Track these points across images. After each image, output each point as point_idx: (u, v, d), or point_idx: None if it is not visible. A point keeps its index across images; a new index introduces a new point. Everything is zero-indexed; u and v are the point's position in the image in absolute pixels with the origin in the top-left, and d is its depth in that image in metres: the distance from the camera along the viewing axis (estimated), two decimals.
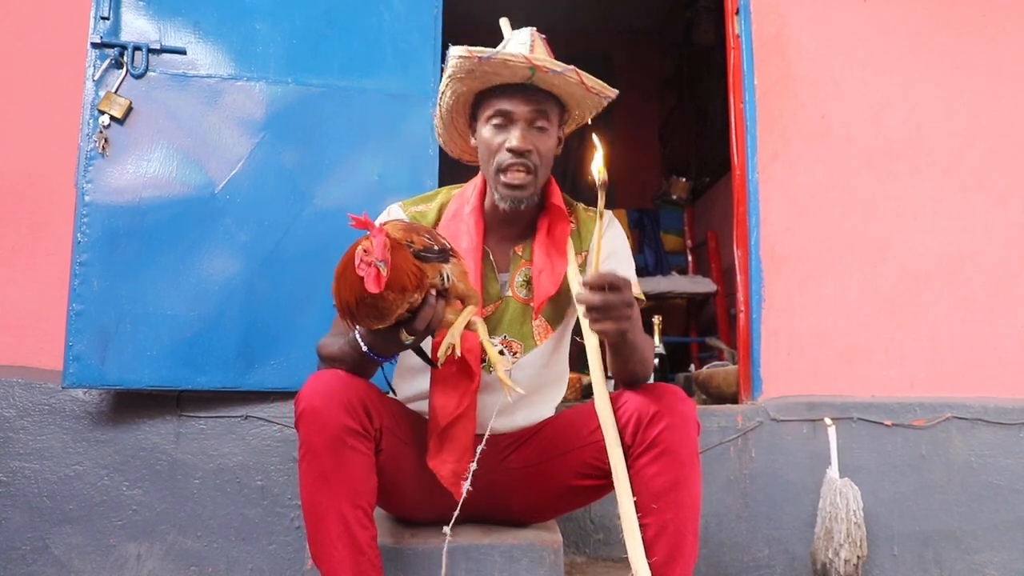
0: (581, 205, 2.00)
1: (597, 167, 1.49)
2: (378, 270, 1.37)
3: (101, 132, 2.41)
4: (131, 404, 2.45)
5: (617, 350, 1.67)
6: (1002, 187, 2.96)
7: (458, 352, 1.58)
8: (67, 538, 2.39)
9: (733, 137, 2.96)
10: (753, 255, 2.86)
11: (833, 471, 2.57)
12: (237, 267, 2.45)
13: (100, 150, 2.40)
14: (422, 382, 1.87)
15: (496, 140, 1.80)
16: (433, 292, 1.51)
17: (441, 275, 1.53)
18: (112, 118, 2.42)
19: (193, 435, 2.46)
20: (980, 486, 2.70)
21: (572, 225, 1.92)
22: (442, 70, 2.60)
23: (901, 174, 2.94)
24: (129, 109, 2.43)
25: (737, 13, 2.97)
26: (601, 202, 1.56)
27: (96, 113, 2.41)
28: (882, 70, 2.98)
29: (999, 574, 2.66)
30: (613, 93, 1.82)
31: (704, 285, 4.71)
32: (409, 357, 1.87)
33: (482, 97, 1.84)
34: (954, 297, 2.89)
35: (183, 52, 2.49)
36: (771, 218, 2.88)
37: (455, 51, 1.75)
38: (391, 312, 1.45)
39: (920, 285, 2.89)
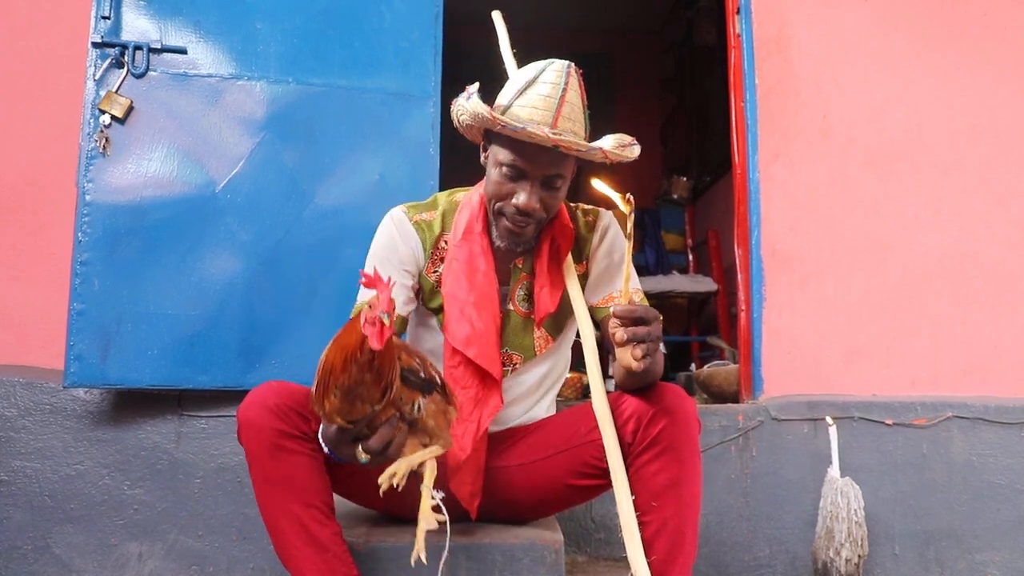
0: (580, 209, 1.93)
1: (620, 199, 1.49)
2: (382, 324, 1.32)
3: (102, 131, 2.41)
4: (132, 403, 2.45)
5: (637, 376, 1.63)
6: (1003, 187, 2.96)
7: (399, 484, 1.46)
8: (68, 537, 2.39)
9: (734, 136, 2.96)
10: (754, 254, 2.86)
11: (834, 470, 2.57)
12: (238, 266, 2.45)
13: (101, 149, 2.40)
14: None
15: (503, 189, 1.71)
16: (397, 414, 1.45)
17: (414, 403, 1.47)
18: (113, 117, 2.42)
19: (194, 434, 2.46)
20: (981, 485, 2.70)
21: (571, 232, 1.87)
22: (444, 71, 2.63)
23: (902, 174, 2.94)
24: (130, 108, 2.43)
25: (738, 12, 2.97)
26: (629, 227, 1.53)
27: (97, 112, 2.41)
28: (883, 70, 2.98)
29: (1000, 573, 2.66)
30: (634, 156, 1.70)
31: (705, 284, 4.71)
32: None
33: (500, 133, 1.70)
34: (955, 297, 2.89)
35: (184, 51, 2.49)
36: (772, 217, 2.88)
37: (479, 107, 1.64)
38: (363, 396, 1.38)
39: (921, 284, 2.89)
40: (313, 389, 1.40)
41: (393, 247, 1.83)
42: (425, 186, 2.56)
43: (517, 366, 1.88)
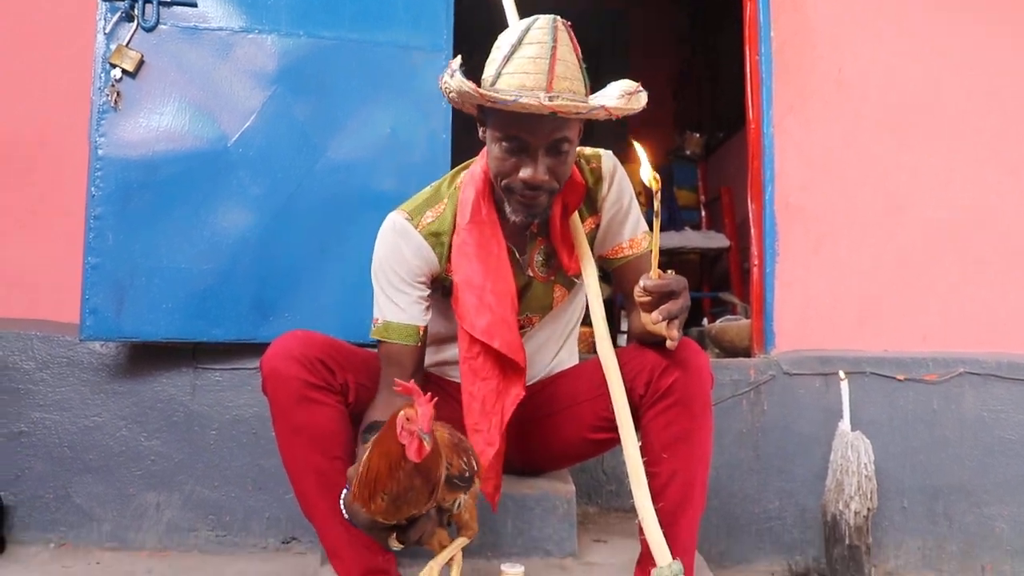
0: (582, 157, 1.78)
1: (649, 175, 1.44)
2: (421, 441, 1.29)
3: (113, 86, 2.40)
4: (147, 356, 2.48)
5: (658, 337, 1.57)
6: (1019, 147, 2.92)
7: None
8: (88, 487, 2.44)
9: (748, 89, 2.92)
10: (767, 209, 2.84)
11: (845, 424, 2.58)
12: (250, 220, 2.46)
13: (112, 104, 2.40)
14: (443, 352, 1.89)
15: (507, 164, 1.58)
16: (434, 507, 1.43)
17: (455, 501, 1.46)
18: (124, 72, 2.40)
19: (209, 387, 2.49)
20: (992, 441, 2.71)
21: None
22: (456, 24, 2.60)
23: (917, 133, 2.90)
24: (141, 62, 2.42)
25: None
26: (657, 205, 1.48)
27: (108, 67, 2.40)
28: (901, 26, 2.93)
29: (1008, 527, 2.68)
30: (640, 105, 1.58)
31: (717, 240, 4.69)
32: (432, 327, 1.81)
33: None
34: (969, 254, 2.87)
35: (194, 4, 2.47)
36: (786, 171, 2.85)
37: (463, 85, 1.50)
38: (411, 501, 1.36)
39: (935, 242, 2.87)
40: (356, 489, 1.37)
41: (402, 261, 1.71)
42: (437, 140, 2.54)
43: (535, 323, 1.87)
